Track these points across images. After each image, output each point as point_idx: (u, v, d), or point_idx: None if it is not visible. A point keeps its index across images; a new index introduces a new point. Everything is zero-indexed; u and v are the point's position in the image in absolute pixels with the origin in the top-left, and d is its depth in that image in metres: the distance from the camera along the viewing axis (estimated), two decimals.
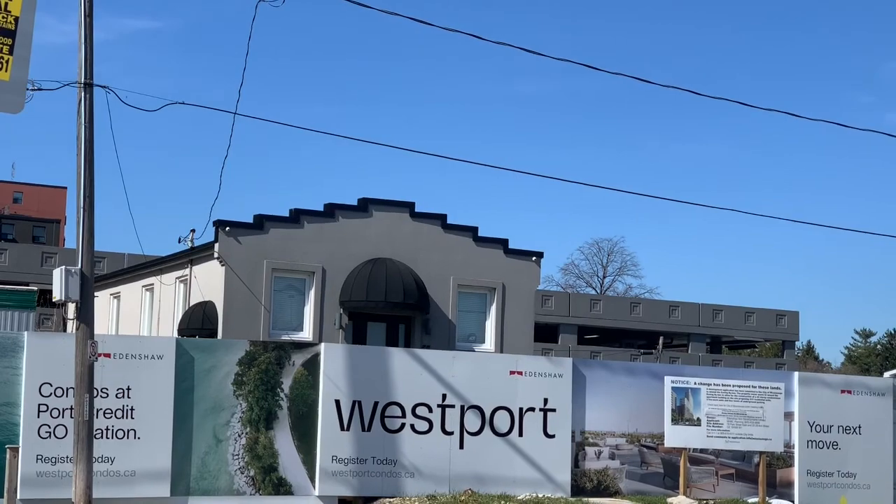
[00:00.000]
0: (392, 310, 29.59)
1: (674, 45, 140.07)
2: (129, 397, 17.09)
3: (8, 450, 15.85)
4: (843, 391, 22.41)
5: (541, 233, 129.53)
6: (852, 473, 21.56)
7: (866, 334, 77.89)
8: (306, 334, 28.15)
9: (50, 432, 16.45)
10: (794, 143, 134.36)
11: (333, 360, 18.45)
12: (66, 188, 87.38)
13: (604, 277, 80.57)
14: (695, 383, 20.99)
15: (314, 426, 18.04)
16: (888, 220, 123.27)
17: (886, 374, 27.40)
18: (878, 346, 74.45)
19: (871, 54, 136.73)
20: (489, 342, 30.52)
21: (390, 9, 17.05)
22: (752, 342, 51.04)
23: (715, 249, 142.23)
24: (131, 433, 17.06)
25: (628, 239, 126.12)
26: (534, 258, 32.32)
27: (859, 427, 21.79)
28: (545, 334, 47.70)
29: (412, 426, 18.63)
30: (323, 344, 19.98)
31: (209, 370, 17.66)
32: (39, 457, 16.26)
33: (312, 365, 18.21)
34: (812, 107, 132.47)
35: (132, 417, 17.08)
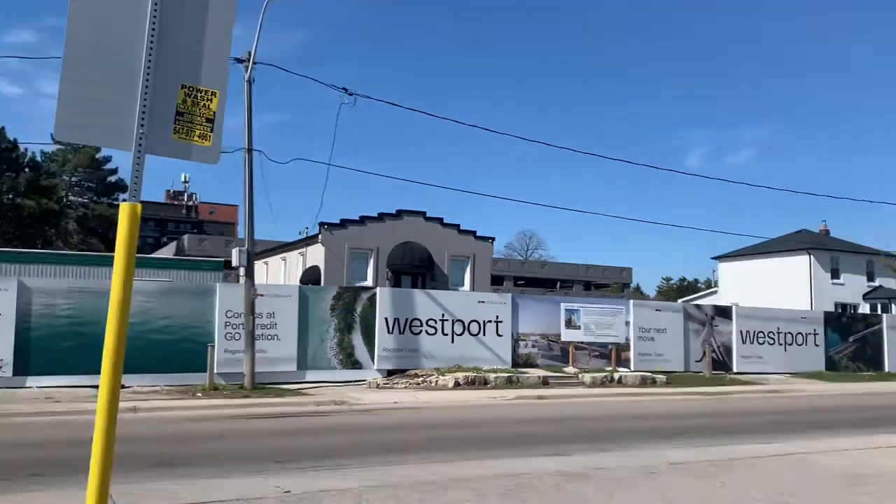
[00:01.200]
0: (415, 269, 30.95)
1: None
2: (274, 318, 18.73)
3: (209, 346, 17.28)
4: (657, 310, 24.48)
5: (494, 222, 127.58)
6: (661, 353, 23.55)
7: (668, 279, 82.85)
8: (369, 283, 29.33)
9: (231, 336, 18.00)
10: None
11: (384, 296, 20.33)
12: (237, 206, 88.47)
13: (528, 250, 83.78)
14: (577, 307, 22.97)
15: (373, 332, 19.80)
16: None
17: (679, 301, 29.71)
18: (675, 285, 78.69)
19: None
20: (467, 286, 31.88)
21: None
22: (607, 285, 52.94)
23: (592, 223, 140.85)
24: (275, 337, 18.66)
25: (541, 229, 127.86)
26: (490, 240, 33.78)
27: (665, 329, 23.79)
28: (496, 282, 49.55)
29: (426, 331, 20.42)
30: (378, 287, 21.81)
31: (317, 303, 19.52)
32: (226, 350, 17.81)
33: (372, 299, 20.06)
34: None
35: (276, 329, 18.69)
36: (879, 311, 38.73)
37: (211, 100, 3.50)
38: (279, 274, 34.93)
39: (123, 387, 15.26)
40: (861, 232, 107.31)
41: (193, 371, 17.35)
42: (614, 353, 22.74)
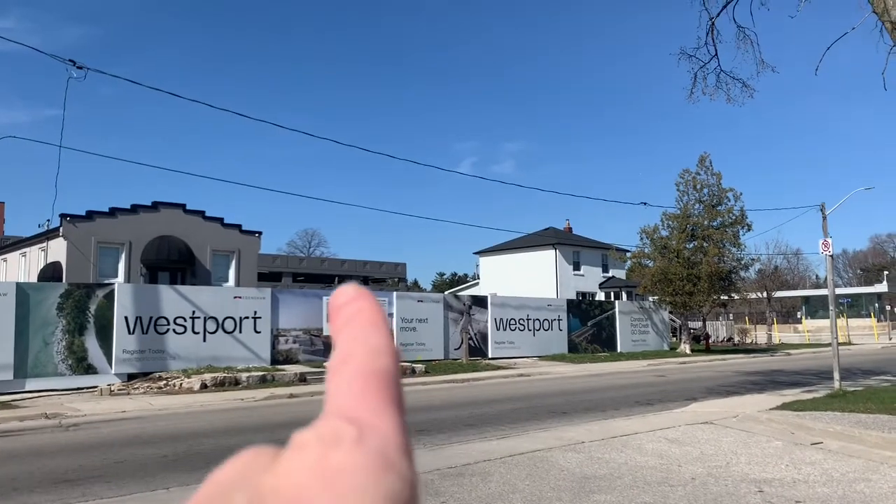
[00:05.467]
0: (173, 265, 27.08)
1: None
2: None
3: None
4: (419, 301, 23.27)
5: (276, 220, 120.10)
6: (423, 343, 22.48)
7: (442, 274, 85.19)
8: (121, 279, 24.84)
9: None
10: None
11: (123, 293, 17.22)
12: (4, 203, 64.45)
13: (310, 247, 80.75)
14: None
15: (111, 333, 16.69)
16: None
17: (445, 293, 28.83)
18: (447, 279, 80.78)
19: None
20: (231, 282, 28.18)
21: None
22: (384, 279, 51.53)
23: (372, 220, 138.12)
24: None
25: (324, 227, 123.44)
26: (257, 234, 30.33)
27: (427, 319, 22.73)
28: (275, 278, 46.00)
29: (174, 330, 17.62)
30: (116, 283, 18.52)
31: (40, 301, 16.02)
32: None
33: (110, 296, 16.88)
34: None
35: None
36: (613, 298, 41.12)
37: None
38: (18, 271, 29.70)
39: None
40: (598, 229, 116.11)
41: None
42: None
